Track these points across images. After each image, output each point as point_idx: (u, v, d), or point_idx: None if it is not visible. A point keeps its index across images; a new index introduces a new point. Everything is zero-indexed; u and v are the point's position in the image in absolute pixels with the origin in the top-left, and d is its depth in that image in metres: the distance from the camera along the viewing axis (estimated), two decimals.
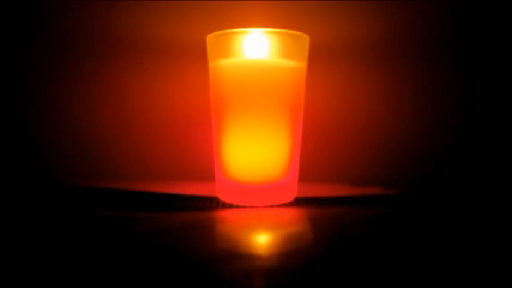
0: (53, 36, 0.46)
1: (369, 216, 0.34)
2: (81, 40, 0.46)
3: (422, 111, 0.48)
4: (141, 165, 0.47)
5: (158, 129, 0.47)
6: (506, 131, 0.47)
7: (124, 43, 0.46)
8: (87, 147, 0.47)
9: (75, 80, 0.47)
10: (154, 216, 0.32)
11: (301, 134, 0.38)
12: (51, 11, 0.46)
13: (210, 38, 0.36)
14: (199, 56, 0.43)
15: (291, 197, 0.37)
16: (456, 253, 0.25)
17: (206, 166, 0.43)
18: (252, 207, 0.35)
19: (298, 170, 0.38)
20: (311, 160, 0.45)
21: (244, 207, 0.35)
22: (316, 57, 0.43)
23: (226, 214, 0.35)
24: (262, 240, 0.28)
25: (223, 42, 0.35)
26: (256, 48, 0.35)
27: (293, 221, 0.34)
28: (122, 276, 0.20)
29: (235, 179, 0.36)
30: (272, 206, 0.35)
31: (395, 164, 0.48)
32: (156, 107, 0.47)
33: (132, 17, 0.46)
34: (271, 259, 0.23)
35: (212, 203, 0.37)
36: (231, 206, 0.36)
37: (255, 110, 0.34)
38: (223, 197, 0.37)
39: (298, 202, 0.37)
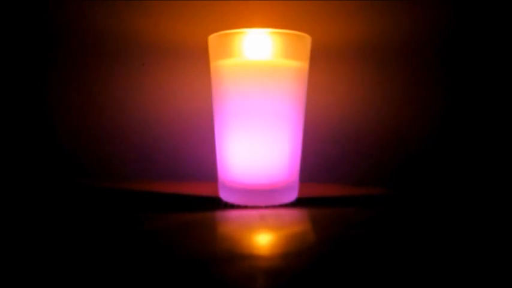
0: (54, 37, 0.46)
1: (370, 216, 0.34)
2: (81, 41, 0.46)
3: (424, 112, 0.48)
4: (142, 166, 0.47)
5: (159, 129, 0.47)
6: (506, 132, 0.47)
7: (125, 44, 0.46)
8: (88, 147, 0.47)
9: (74, 81, 0.47)
10: (157, 216, 0.32)
11: (303, 134, 0.38)
12: (52, 12, 0.46)
13: (212, 38, 0.36)
14: (200, 56, 0.43)
15: (292, 197, 0.37)
16: (457, 251, 0.25)
17: (208, 166, 0.43)
18: (254, 207, 0.35)
19: (300, 170, 0.38)
20: (312, 160, 0.45)
21: (246, 207, 0.35)
22: (318, 57, 0.43)
23: (228, 214, 0.35)
24: (264, 240, 0.28)
25: (225, 42, 0.36)
26: (257, 49, 0.35)
27: (295, 221, 0.34)
28: (125, 275, 0.20)
29: (237, 179, 0.36)
30: (274, 206, 0.35)
31: (396, 164, 0.48)
32: (158, 107, 0.47)
33: (133, 17, 0.46)
34: (273, 259, 0.23)
35: (214, 203, 0.37)
36: (233, 206, 0.36)
37: (256, 110, 0.35)
38: (225, 197, 0.37)
39: (300, 202, 0.37)
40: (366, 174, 0.48)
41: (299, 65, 0.36)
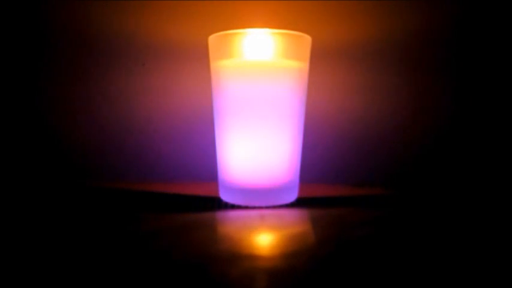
0: (54, 37, 0.46)
1: (370, 216, 0.34)
2: (82, 41, 0.46)
3: (425, 112, 0.48)
4: (143, 166, 0.47)
5: (160, 129, 0.47)
6: (507, 132, 0.47)
7: (126, 44, 0.46)
8: (87, 147, 0.47)
9: (75, 81, 0.47)
10: (157, 217, 0.32)
11: (303, 134, 0.38)
12: (52, 11, 0.46)
13: (212, 38, 0.36)
14: (201, 56, 0.43)
15: (292, 197, 0.37)
16: (458, 252, 0.25)
17: (208, 166, 0.43)
18: (254, 207, 0.35)
19: (300, 170, 0.38)
20: (312, 160, 0.45)
21: (246, 207, 0.35)
22: (318, 57, 0.43)
23: (228, 214, 0.35)
24: (264, 241, 0.28)
25: (225, 42, 0.36)
26: (257, 49, 0.35)
27: (295, 221, 0.34)
28: (125, 276, 0.20)
29: (237, 179, 0.36)
30: (274, 207, 0.35)
31: (396, 165, 0.48)
32: (158, 108, 0.47)
33: (133, 17, 0.46)
34: (273, 259, 0.23)
35: (214, 204, 0.37)
36: (233, 206, 0.36)
37: (256, 110, 0.35)
38: (225, 197, 0.37)
39: (300, 202, 0.37)
40: (366, 175, 0.48)
41: (299, 65, 0.36)
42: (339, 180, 0.47)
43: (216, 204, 0.37)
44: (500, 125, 0.47)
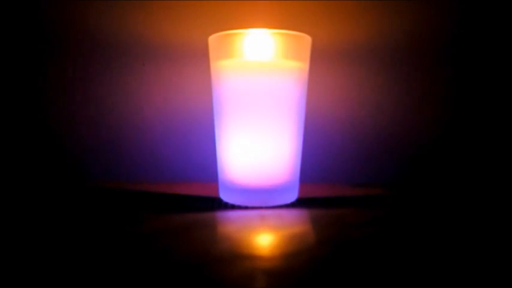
0: (54, 37, 0.46)
1: (369, 216, 0.34)
2: (82, 41, 0.46)
3: (424, 112, 0.48)
4: (143, 166, 0.47)
5: (160, 129, 0.47)
6: (507, 133, 0.47)
7: (126, 44, 0.46)
8: (86, 148, 0.47)
9: (75, 81, 0.47)
10: (157, 217, 0.32)
11: (303, 134, 0.38)
12: (52, 11, 0.46)
13: (212, 39, 0.36)
14: (201, 56, 0.43)
15: (292, 197, 0.37)
16: (457, 252, 0.25)
17: (209, 167, 0.43)
18: (254, 207, 0.35)
19: (300, 170, 0.38)
20: (312, 160, 0.45)
21: (246, 207, 0.35)
22: (318, 58, 0.43)
23: (228, 215, 0.35)
24: (264, 241, 0.28)
25: (225, 43, 0.36)
26: (257, 49, 0.35)
27: (295, 221, 0.34)
28: (125, 276, 0.20)
29: (237, 179, 0.36)
30: (274, 207, 0.35)
31: (396, 165, 0.48)
32: (158, 107, 0.47)
33: (133, 18, 0.46)
34: (273, 259, 0.23)
35: (214, 204, 0.37)
36: (233, 207, 0.36)
37: (256, 111, 0.35)
38: (225, 197, 0.37)
39: (300, 202, 0.37)
40: (366, 175, 0.48)
41: (299, 65, 0.36)
42: (339, 180, 0.47)
43: (216, 204, 0.37)
44: (500, 126, 0.47)
